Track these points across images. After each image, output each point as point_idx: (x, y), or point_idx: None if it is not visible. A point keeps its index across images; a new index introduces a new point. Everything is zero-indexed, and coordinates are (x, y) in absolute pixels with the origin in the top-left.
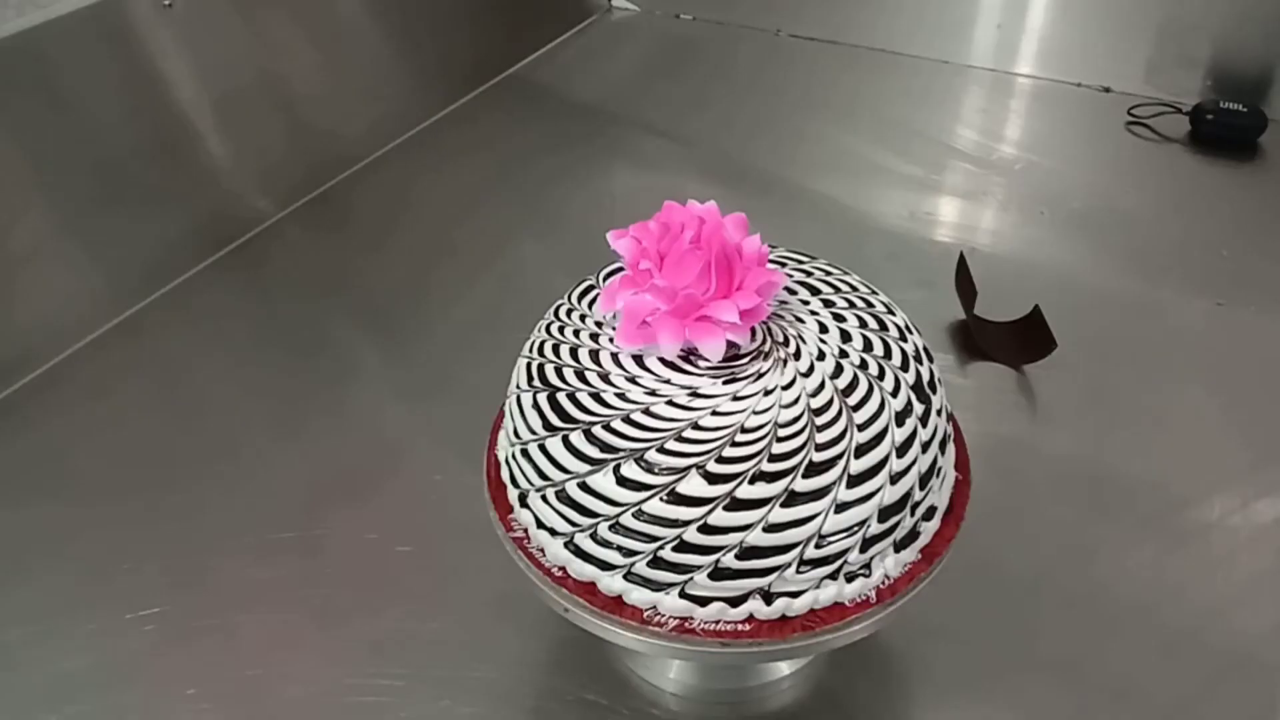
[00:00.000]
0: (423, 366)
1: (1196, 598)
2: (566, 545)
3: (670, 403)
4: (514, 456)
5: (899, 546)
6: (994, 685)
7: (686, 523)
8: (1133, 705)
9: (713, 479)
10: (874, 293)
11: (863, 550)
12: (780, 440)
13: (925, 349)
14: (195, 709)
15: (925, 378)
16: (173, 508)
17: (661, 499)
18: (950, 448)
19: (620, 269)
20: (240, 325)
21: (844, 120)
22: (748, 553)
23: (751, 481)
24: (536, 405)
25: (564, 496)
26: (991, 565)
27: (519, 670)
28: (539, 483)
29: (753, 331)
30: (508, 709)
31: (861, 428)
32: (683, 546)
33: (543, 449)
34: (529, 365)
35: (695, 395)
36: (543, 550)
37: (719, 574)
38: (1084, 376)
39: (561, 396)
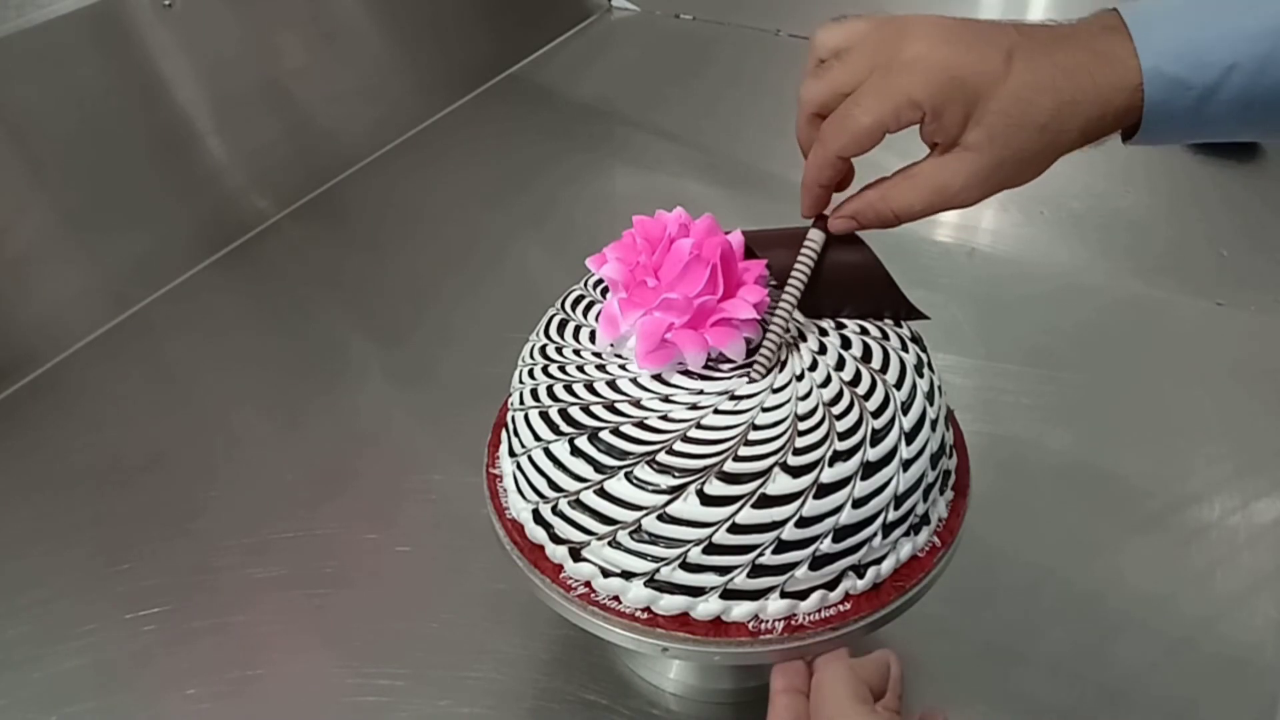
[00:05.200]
0: (423, 366)
1: (1196, 597)
2: (648, 583)
3: (717, 411)
4: (556, 510)
5: (942, 488)
6: (994, 685)
7: (782, 522)
8: (1133, 705)
9: (796, 472)
10: None
11: (925, 499)
12: (838, 418)
13: (929, 364)
14: (195, 709)
15: (907, 328)
16: (173, 508)
17: (751, 506)
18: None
19: (583, 296)
20: (240, 325)
21: None
22: (842, 533)
23: (831, 464)
24: (578, 451)
25: (641, 534)
26: (992, 565)
27: (519, 670)
28: (602, 529)
29: (761, 324)
30: (508, 709)
31: (897, 387)
32: (781, 546)
33: (602, 493)
34: (544, 414)
35: (735, 398)
36: (617, 598)
37: (818, 562)
38: (1084, 376)
39: (605, 434)
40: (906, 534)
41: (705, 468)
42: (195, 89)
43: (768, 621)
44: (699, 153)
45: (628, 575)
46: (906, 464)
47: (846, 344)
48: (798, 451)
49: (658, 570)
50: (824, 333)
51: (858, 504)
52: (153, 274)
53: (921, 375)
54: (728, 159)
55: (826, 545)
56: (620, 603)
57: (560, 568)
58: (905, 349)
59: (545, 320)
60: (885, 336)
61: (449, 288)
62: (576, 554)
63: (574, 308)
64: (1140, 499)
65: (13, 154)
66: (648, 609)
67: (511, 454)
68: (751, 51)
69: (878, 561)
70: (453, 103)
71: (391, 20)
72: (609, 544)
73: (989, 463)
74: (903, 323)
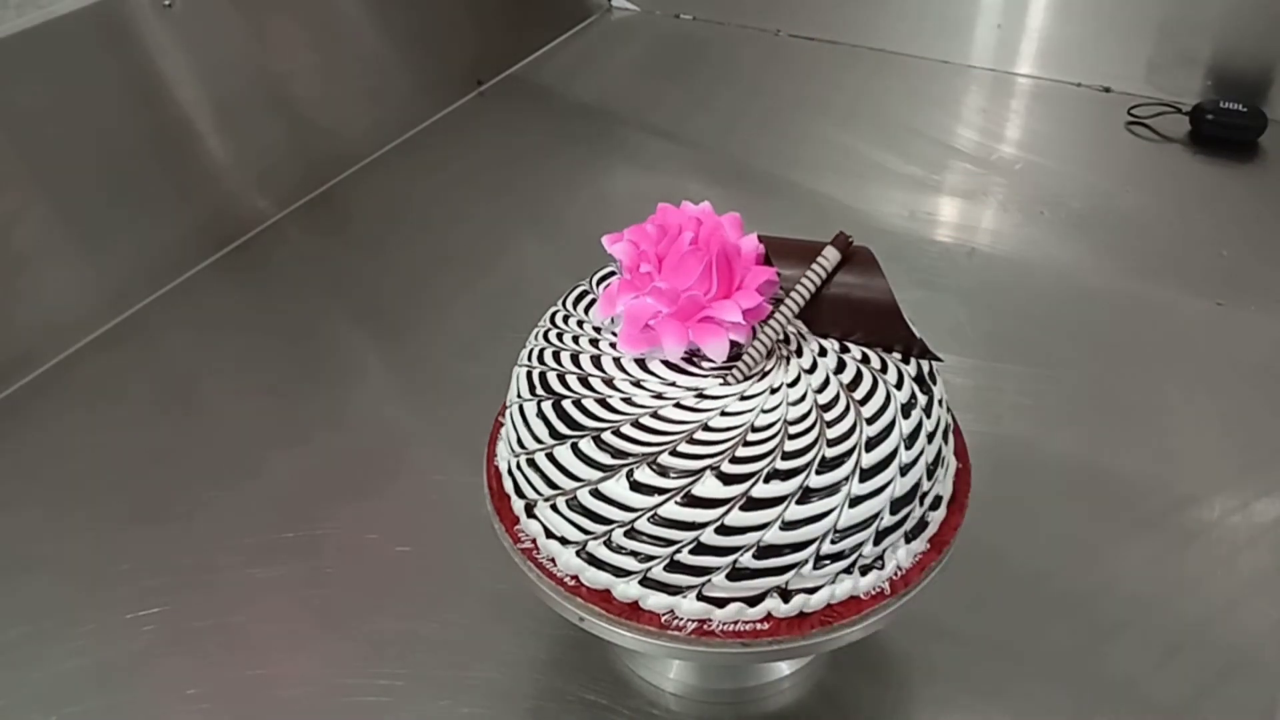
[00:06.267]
0: (423, 366)
1: (1197, 597)
2: (579, 553)
3: (678, 405)
4: (518, 466)
5: (909, 537)
6: (994, 685)
7: (703, 525)
8: (1132, 705)
9: (728, 479)
10: None
11: (876, 543)
12: (792, 438)
13: (922, 341)
14: (195, 709)
15: (925, 369)
16: (172, 508)
17: (676, 502)
18: (951, 436)
19: (613, 273)
20: (240, 325)
21: (844, 120)
22: (765, 551)
23: (766, 480)
24: (541, 414)
25: (575, 504)
26: (992, 566)
27: (519, 670)
28: (548, 492)
29: (754, 330)
30: (508, 709)
31: (870, 421)
32: (700, 549)
33: (551, 458)
34: (529, 374)
35: (702, 396)
36: (553, 560)
37: (737, 574)
38: (1084, 376)
39: (567, 404)
40: (848, 571)
41: (642, 455)
42: (195, 89)
43: (681, 619)
44: (698, 152)
45: (564, 541)
46: (855, 500)
47: (840, 367)
48: (736, 460)
49: (586, 543)
50: (823, 352)
51: (788, 526)
52: (153, 274)
53: (908, 416)
54: (727, 159)
55: (747, 560)
56: (555, 565)
57: (517, 520)
58: (900, 385)
59: (569, 290)
60: (884, 369)
61: (449, 287)
62: (530, 510)
63: (599, 284)
64: (1140, 499)
65: (13, 154)
66: (576, 578)
67: (507, 405)
68: (751, 51)
69: (809, 591)
70: (453, 103)
71: (391, 20)
72: (551, 507)
73: (989, 463)
74: (913, 360)
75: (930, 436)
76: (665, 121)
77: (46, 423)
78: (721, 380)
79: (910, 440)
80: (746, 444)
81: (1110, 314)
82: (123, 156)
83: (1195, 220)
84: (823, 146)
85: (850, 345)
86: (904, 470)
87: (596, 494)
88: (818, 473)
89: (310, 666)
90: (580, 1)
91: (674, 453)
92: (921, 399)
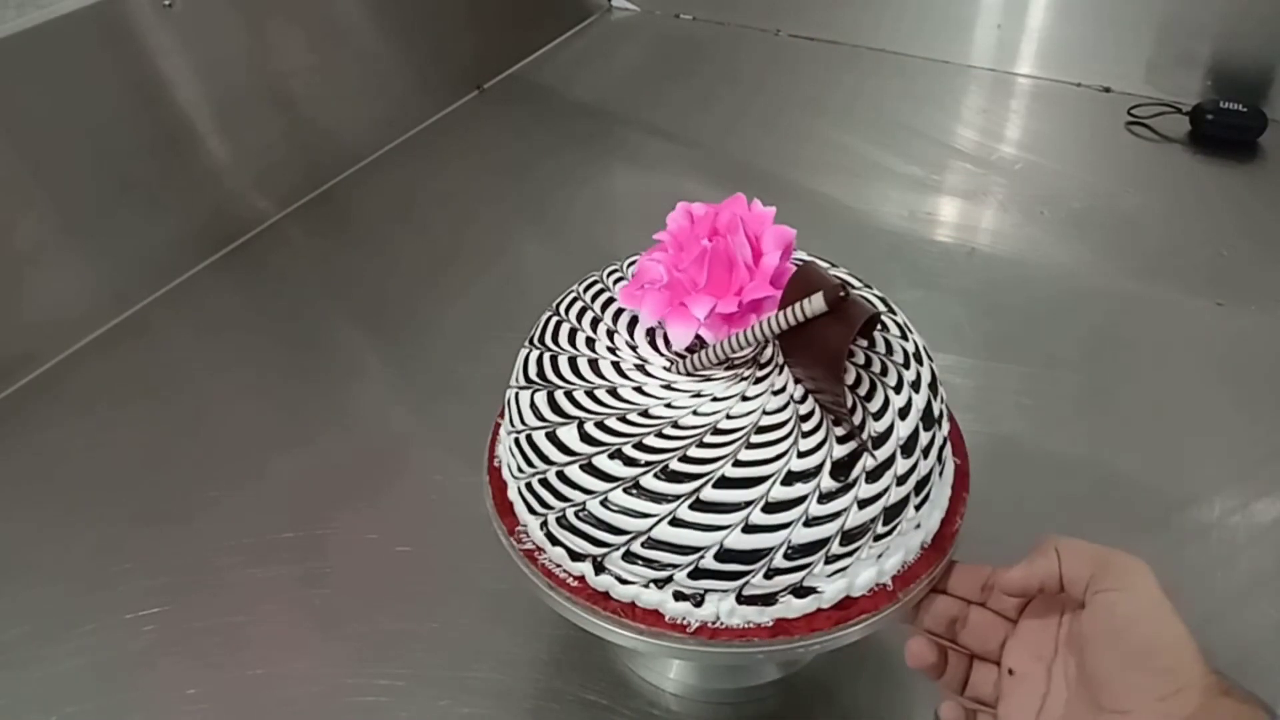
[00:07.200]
0: (423, 367)
1: (1196, 597)
2: (541, 526)
3: (636, 388)
4: (507, 444)
5: (744, 599)
6: None
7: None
8: None
9: (587, 440)
10: (903, 326)
11: (741, 602)
12: (750, 447)
13: (933, 382)
14: (195, 709)
15: (862, 462)
16: (172, 507)
17: (624, 490)
18: (939, 485)
19: (634, 261)
20: (240, 325)
21: (844, 120)
22: (650, 543)
23: (663, 476)
24: (525, 362)
25: (547, 484)
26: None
27: (519, 670)
28: (528, 469)
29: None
30: (508, 709)
31: (775, 459)
32: (587, 517)
33: (530, 440)
34: (531, 339)
35: (647, 375)
36: (526, 530)
37: (630, 557)
38: (1084, 376)
39: (545, 357)
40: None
41: (574, 418)
42: (195, 89)
43: (620, 601)
44: (698, 152)
45: (533, 512)
46: (752, 528)
47: (782, 408)
48: (601, 428)
49: (546, 519)
50: (780, 389)
51: (677, 524)
52: (153, 274)
53: (790, 485)
54: (726, 159)
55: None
56: (527, 536)
57: (505, 487)
58: (846, 440)
59: (581, 281)
60: (815, 429)
61: (448, 287)
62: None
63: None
64: (1140, 499)
65: (13, 154)
66: (540, 550)
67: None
68: (751, 51)
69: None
70: (453, 103)
71: (392, 20)
72: (526, 484)
73: (989, 463)
74: (852, 442)
75: (824, 520)
76: (665, 121)
77: (47, 423)
78: (666, 365)
79: (790, 504)
80: (706, 445)
81: (1110, 314)
82: (123, 156)
83: (1195, 220)
84: (823, 146)
85: (809, 392)
86: (862, 504)
87: (562, 476)
88: (715, 486)
89: (310, 666)
90: (580, 1)
91: (597, 424)
92: (842, 479)
